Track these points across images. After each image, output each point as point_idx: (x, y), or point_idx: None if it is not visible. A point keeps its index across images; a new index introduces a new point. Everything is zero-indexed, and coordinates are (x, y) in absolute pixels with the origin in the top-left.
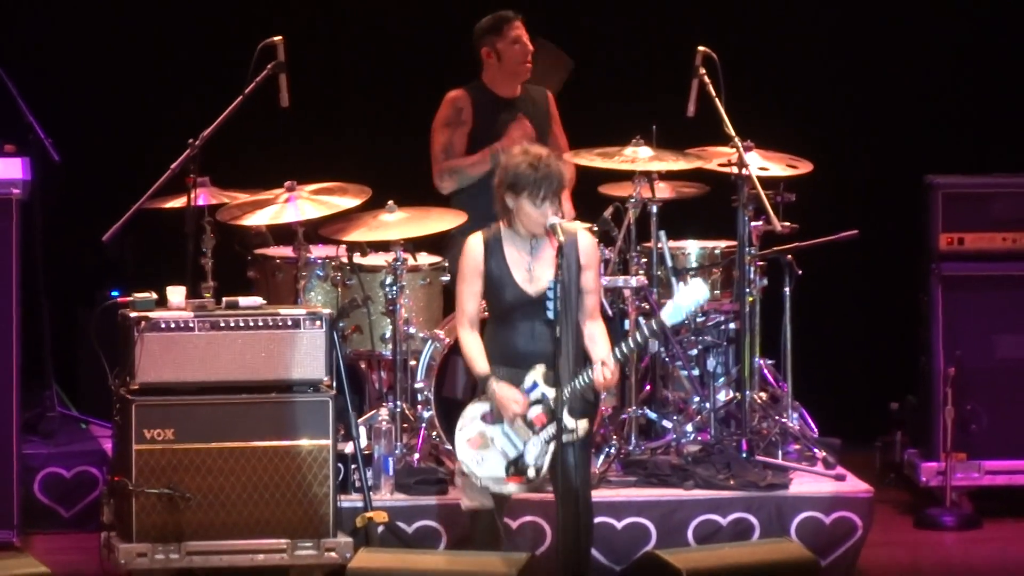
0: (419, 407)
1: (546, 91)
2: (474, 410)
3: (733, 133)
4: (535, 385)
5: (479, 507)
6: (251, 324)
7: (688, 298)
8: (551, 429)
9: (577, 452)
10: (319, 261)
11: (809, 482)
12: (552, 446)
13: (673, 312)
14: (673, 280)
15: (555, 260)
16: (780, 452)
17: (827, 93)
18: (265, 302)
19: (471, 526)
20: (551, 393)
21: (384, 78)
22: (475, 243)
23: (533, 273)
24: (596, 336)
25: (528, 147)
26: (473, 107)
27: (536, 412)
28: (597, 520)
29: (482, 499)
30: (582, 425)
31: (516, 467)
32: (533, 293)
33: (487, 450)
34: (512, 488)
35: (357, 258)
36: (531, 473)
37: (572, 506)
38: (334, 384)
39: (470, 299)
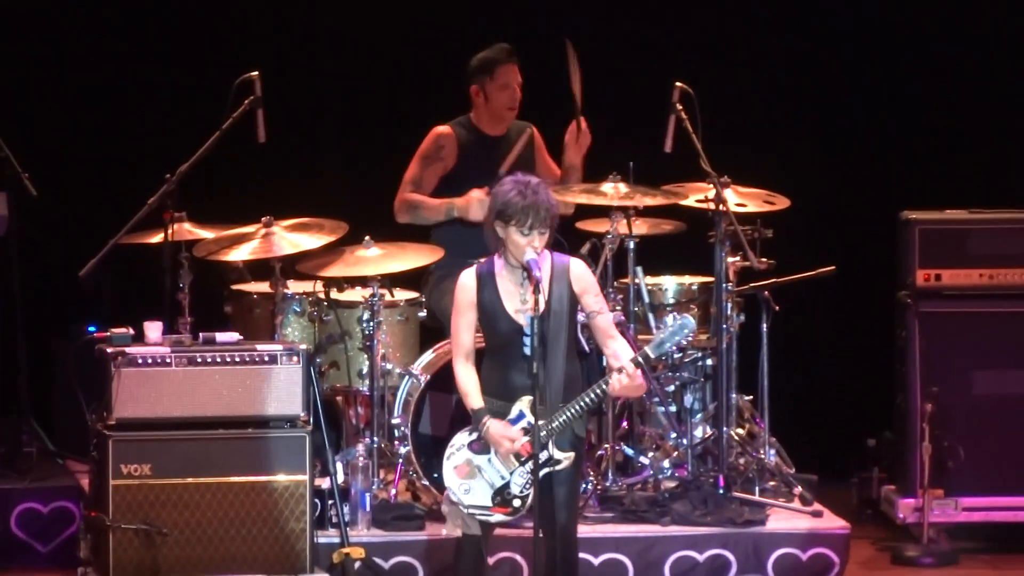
0: (396, 443)
1: (530, 126)
2: (462, 438)
3: (710, 169)
4: (521, 415)
5: (463, 533)
6: (228, 359)
7: (671, 331)
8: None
9: (564, 488)
10: (296, 297)
11: (786, 518)
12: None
13: (657, 344)
14: (650, 316)
15: (532, 296)
16: (757, 488)
17: (803, 128)
18: (242, 337)
19: (456, 556)
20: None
21: (361, 113)
22: (467, 278)
23: (527, 304)
24: (619, 352)
25: (519, 176)
26: (458, 146)
27: (522, 443)
28: None
29: (470, 524)
30: (569, 457)
31: (502, 497)
32: (526, 324)
33: (474, 479)
34: (498, 518)
35: (334, 294)
36: (516, 503)
37: (556, 543)
38: (311, 420)
39: (464, 331)
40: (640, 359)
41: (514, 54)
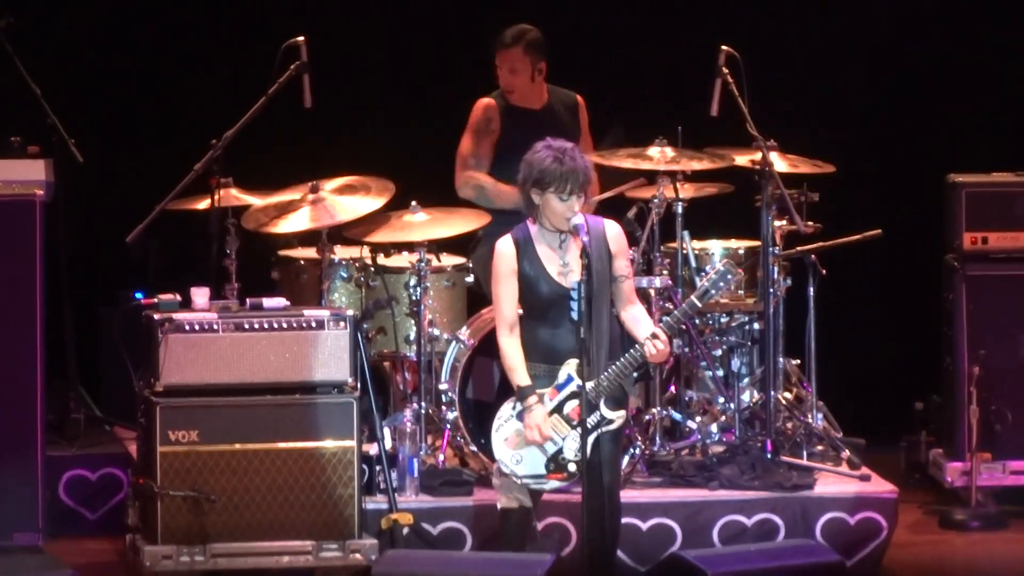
0: (443, 408)
1: (576, 96)
2: (508, 409)
3: (756, 133)
4: (570, 379)
5: (518, 506)
6: (275, 325)
7: (715, 277)
8: (588, 422)
9: (610, 447)
10: (343, 262)
11: (834, 483)
12: (590, 440)
13: (702, 293)
14: (697, 280)
15: (580, 260)
16: (805, 452)
17: (849, 92)
18: (289, 303)
19: (501, 525)
20: (586, 386)
21: (407, 78)
22: (506, 245)
23: (567, 267)
24: (639, 317)
25: (552, 142)
26: (501, 117)
27: (572, 406)
28: (622, 521)
29: (521, 498)
30: (620, 415)
31: (556, 463)
32: (569, 286)
33: (525, 448)
34: (554, 484)
35: (381, 259)
36: (572, 468)
37: (599, 503)
38: (358, 385)
39: (507, 301)
40: (679, 315)
41: (516, 40)
